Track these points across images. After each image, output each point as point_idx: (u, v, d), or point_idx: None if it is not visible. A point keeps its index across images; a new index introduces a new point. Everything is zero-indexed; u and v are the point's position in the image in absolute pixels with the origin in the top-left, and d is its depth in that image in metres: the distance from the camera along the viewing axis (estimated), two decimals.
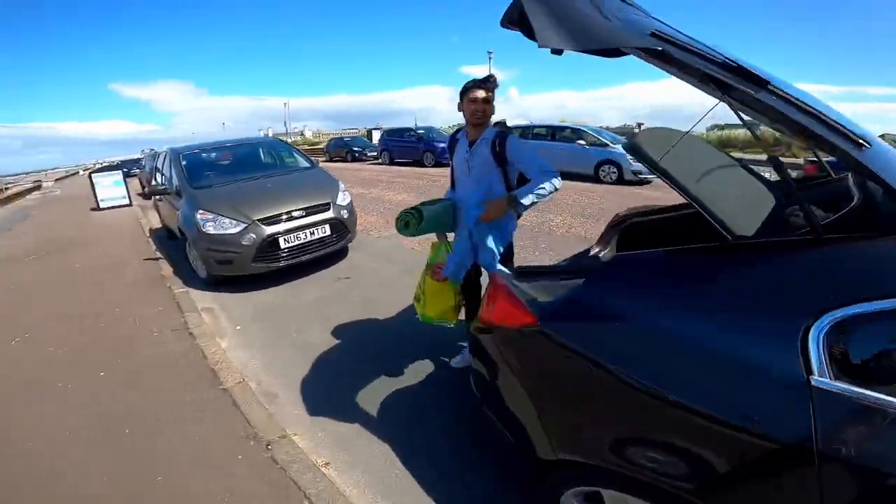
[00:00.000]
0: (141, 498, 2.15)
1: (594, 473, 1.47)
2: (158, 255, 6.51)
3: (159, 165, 7.07)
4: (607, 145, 11.66)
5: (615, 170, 11.22)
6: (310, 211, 5.20)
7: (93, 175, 12.97)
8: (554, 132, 12.99)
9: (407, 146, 18.99)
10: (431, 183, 12.70)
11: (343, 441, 2.51)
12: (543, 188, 2.34)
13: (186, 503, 2.11)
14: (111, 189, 12.59)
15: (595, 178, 11.50)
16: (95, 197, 12.37)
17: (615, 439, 1.37)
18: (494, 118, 2.57)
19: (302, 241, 5.09)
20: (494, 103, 2.51)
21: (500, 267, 2.56)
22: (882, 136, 4.74)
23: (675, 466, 1.22)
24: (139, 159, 28.55)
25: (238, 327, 4.07)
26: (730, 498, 1.15)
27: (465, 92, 2.47)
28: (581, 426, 1.49)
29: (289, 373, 3.23)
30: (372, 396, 2.87)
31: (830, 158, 2.67)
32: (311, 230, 5.15)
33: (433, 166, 17.28)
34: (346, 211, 5.56)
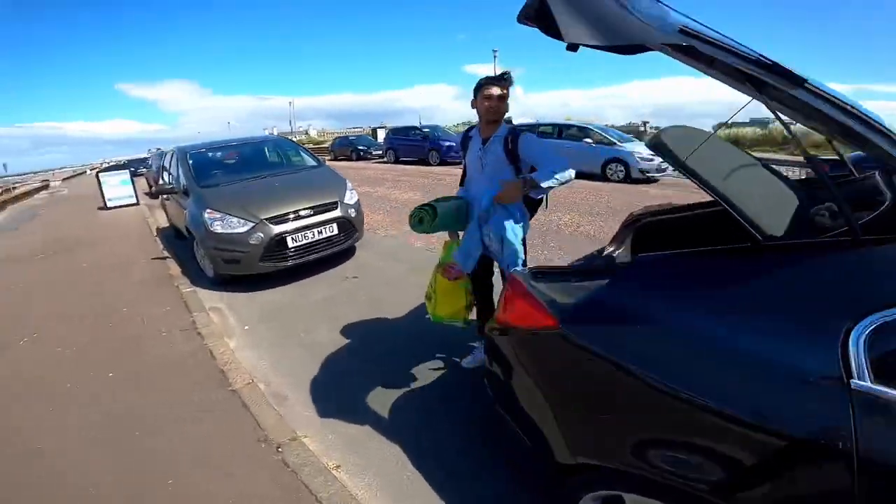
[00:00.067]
0: (152, 501, 2.13)
1: (616, 477, 1.44)
2: (166, 254, 6.51)
3: (166, 164, 7.08)
4: (614, 143, 11.59)
5: (622, 168, 11.15)
6: (317, 210, 5.18)
7: (100, 174, 13.01)
8: (560, 130, 12.93)
9: (412, 145, 18.97)
10: (437, 181, 12.67)
11: (354, 443, 2.48)
12: (561, 175, 2.32)
13: None
14: (118, 188, 12.62)
15: (602, 177, 11.43)
16: (103, 196, 12.40)
17: (639, 442, 1.33)
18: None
19: (309, 240, 5.06)
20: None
21: (518, 267, 2.52)
22: None
23: (703, 470, 1.19)
24: (146, 158, 28.70)
25: (246, 327, 4.06)
26: (760, 502, 1.12)
27: (479, 89, 2.42)
28: (602, 429, 1.46)
29: (298, 373, 3.20)
30: (382, 397, 2.84)
31: (852, 155, 2.62)
32: (319, 229, 5.13)
33: (438, 165, 17.24)
34: (353, 210, 5.54)
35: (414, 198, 9.99)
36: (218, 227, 4.82)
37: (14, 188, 22.15)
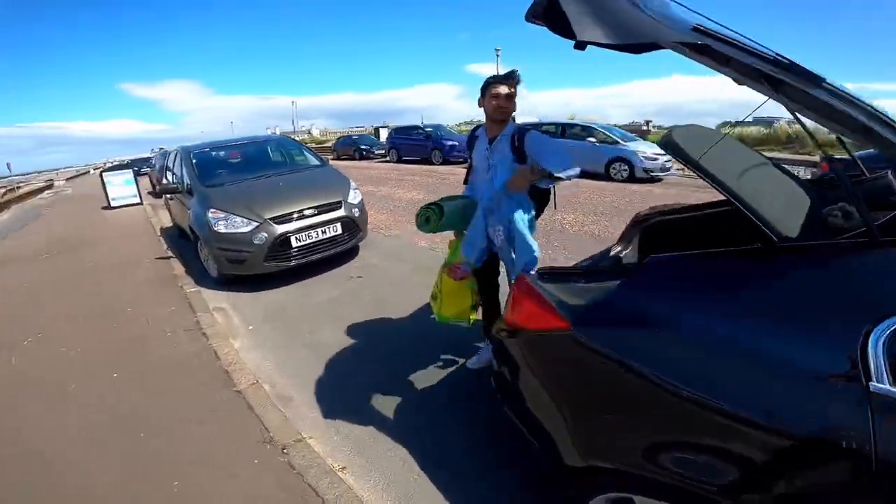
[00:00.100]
0: (158, 503, 2.12)
1: (627, 479, 1.42)
2: (170, 253, 6.51)
3: (170, 164, 7.08)
4: (618, 143, 11.55)
5: (626, 167, 11.11)
6: (321, 209, 5.17)
7: (104, 174, 13.05)
8: (564, 129, 12.89)
9: (415, 144, 18.96)
10: (440, 181, 12.66)
11: (359, 444, 2.47)
12: (568, 169, 2.28)
13: None
14: (122, 188, 12.66)
15: (606, 176, 11.39)
16: (106, 196, 12.45)
17: (652, 445, 1.32)
18: None
19: (313, 239, 5.06)
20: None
21: (535, 253, 2.51)
22: None
23: (715, 473, 1.18)
24: (149, 158, 28.76)
25: (250, 327, 4.05)
26: None
27: (486, 87, 2.40)
28: (614, 432, 1.44)
29: (302, 374, 3.19)
30: (387, 398, 2.83)
31: (859, 154, 2.59)
32: (323, 229, 5.12)
33: (441, 164, 17.23)
34: (357, 209, 5.52)
35: (417, 197, 9.98)
36: (222, 227, 4.81)
37: (18, 188, 22.24)
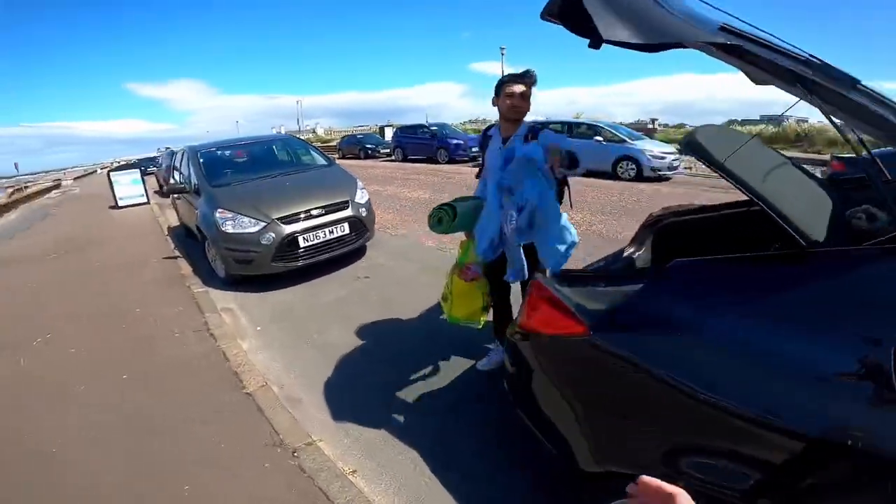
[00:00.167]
0: None
1: None
2: (177, 253, 6.52)
3: (177, 164, 7.09)
4: (625, 141, 11.47)
5: (633, 166, 11.03)
6: (329, 209, 5.15)
7: (111, 174, 13.10)
8: (570, 128, 12.82)
9: (420, 143, 18.93)
10: (446, 180, 12.63)
11: (369, 447, 2.45)
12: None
13: None
14: (129, 187, 12.69)
15: (613, 175, 11.32)
16: (114, 195, 12.49)
17: (672, 451, 1.29)
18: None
19: (321, 239, 5.04)
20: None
21: (573, 239, 2.32)
22: None
23: (739, 478, 1.16)
24: (156, 157, 28.88)
25: (258, 328, 4.04)
26: None
27: (501, 86, 2.36)
28: (633, 437, 1.42)
29: (311, 375, 3.18)
30: (396, 399, 2.81)
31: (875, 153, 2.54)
32: (330, 229, 5.10)
33: (447, 163, 17.20)
34: (364, 209, 5.51)
35: (423, 196, 9.95)
36: (229, 227, 4.81)
37: (26, 187, 22.37)
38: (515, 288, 2.72)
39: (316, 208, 5.07)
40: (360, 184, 5.83)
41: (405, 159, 19.63)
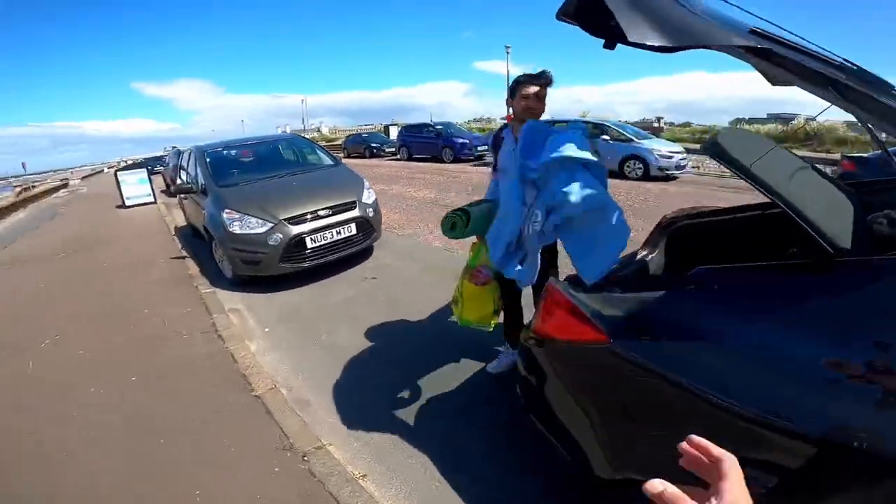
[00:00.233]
0: None
1: None
2: (184, 253, 6.53)
3: (184, 164, 7.10)
4: (632, 140, 11.40)
5: (640, 165, 10.97)
6: (336, 210, 5.14)
7: (118, 173, 13.17)
8: None
9: (425, 142, 18.91)
10: (452, 179, 12.60)
11: (379, 450, 2.44)
12: None
13: None
14: (136, 187, 12.75)
15: (620, 174, 11.25)
16: (121, 195, 12.55)
17: None
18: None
19: (328, 240, 5.03)
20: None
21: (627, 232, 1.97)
22: None
23: (768, 488, 1.13)
24: (163, 157, 29.00)
25: (266, 329, 4.03)
26: None
27: (516, 87, 2.33)
28: (652, 445, 1.39)
29: (319, 377, 3.17)
30: (405, 402, 2.80)
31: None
32: (338, 229, 5.09)
33: (452, 162, 17.16)
34: (371, 209, 5.49)
35: (429, 196, 9.93)
36: (237, 228, 4.80)
37: (33, 187, 22.52)
38: (527, 289, 2.69)
39: (323, 209, 5.06)
40: (366, 184, 5.81)
41: (410, 158, 19.62)
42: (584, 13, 1.44)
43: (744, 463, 1.12)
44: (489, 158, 17.66)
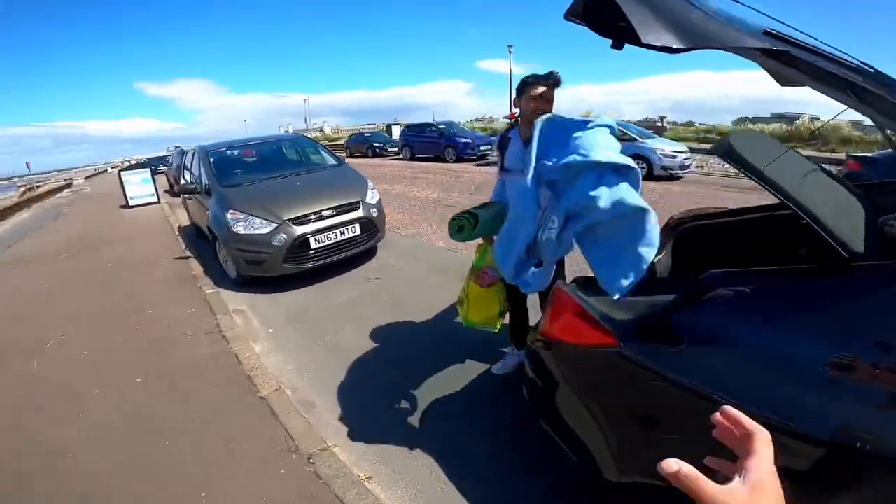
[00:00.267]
0: None
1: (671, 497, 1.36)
2: (188, 253, 6.54)
3: (187, 164, 7.10)
4: (635, 139, 11.36)
5: (644, 165, 10.92)
6: (340, 210, 5.13)
7: (122, 173, 13.21)
8: None
9: (428, 141, 18.89)
10: (455, 179, 12.59)
11: (384, 452, 2.43)
12: None
13: None
14: (140, 187, 12.79)
15: None
16: (125, 194, 12.58)
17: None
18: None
19: (332, 241, 5.02)
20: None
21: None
22: None
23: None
24: (166, 156, 29.07)
25: (270, 330, 4.03)
26: None
27: (524, 87, 2.30)
28: (662, 449, 1.38)
29: (324, 378, 3.16)
30: (410, 403, 2.79)
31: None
32: (342, 230, 5.08)
33: (455, 162, 17.14)
34: (375, 209, 5.48)
35: (433, 195, 9.92)
36: (241, 228, 4.80)
37: (37, 187, 22.59)
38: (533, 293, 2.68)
39: (327, 209, 5.05)
40: (370, 184, 5.80)
41: (413, 158, 19.60)
42: (593, 13, 1.43)
43: None
44: (492, 158, 17.46)
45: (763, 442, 0.46)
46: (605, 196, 1.47)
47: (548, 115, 1.85)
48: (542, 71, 2.33)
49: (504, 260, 2.03)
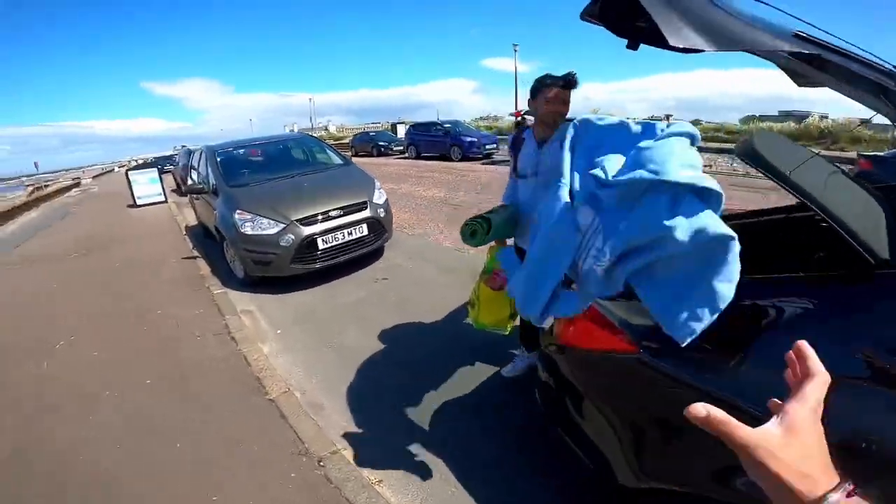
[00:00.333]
0: None
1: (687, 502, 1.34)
2: (195, 253, 6.55)
3: (195, 163, 7.11)
4: None
5: None
6: (347, 210, 5.12)
7: (129, 173, 13.27)
8: None
9: (434, 140, 18.87)
10: (461, 178, 12.56)
11: (394, 455, 2.41)
12: None
13: None
14: (147, 186, 12.85)
15: None
16: (132, 194, 12.65)
17: (726, 469, 1.23)
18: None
19: (340, 241, 5.01)
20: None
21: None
22: None
23: None
24: (172, 156, 29.19)
25: (279, 331, 4.03)
26: None
27: (539, 88, 2.26)
28: (681, 455, 1.36)
29: (332, 380, 3.15)
30: (419, 406, 2.78)
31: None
32: (349, 230, 5.07)
33: (460, 161, 17.11)
34: (382, 209, 5.47)
35: (439, 195, 9.89)
36: (248, 229, 4.80)
37: (45, 186, 22.73)
38: None
39: (334, 209, 5.04)
40: (377, 184, 5.78)
41: (418, 157, 19.59)
42: (608, 13, 1.41)
43: None
44: (497, 157, 17.35)
45: (814, 385, 0.42)
46: (683, 227, 1.07)
47: (584, 115, 1.49)
48: (547, 69, 2.29)
49: (528, 304, 1.49)
